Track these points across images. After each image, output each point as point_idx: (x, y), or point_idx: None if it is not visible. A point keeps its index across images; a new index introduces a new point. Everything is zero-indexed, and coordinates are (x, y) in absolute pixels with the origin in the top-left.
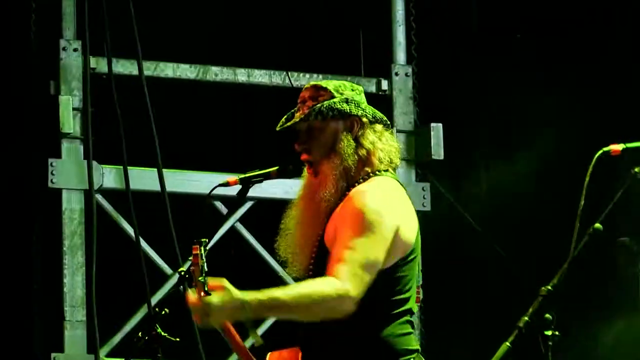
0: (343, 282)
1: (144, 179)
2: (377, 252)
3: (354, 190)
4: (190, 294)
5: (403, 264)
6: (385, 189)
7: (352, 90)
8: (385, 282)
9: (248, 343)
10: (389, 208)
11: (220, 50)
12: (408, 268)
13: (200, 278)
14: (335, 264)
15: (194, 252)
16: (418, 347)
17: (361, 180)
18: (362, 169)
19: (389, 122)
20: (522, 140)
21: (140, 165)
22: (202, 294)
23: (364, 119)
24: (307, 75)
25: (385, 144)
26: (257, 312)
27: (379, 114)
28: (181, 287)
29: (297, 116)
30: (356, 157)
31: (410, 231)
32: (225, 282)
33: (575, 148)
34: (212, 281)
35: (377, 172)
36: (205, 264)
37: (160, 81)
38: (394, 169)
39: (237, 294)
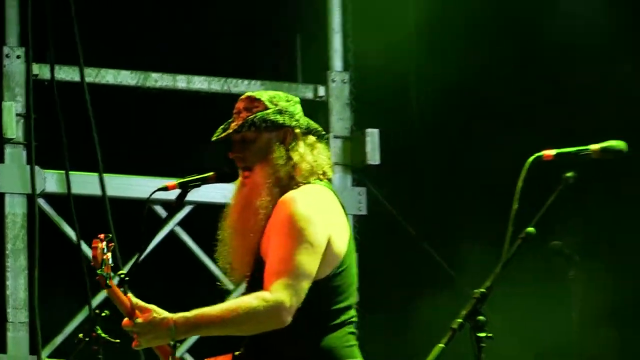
0: (275, 294)
1: (85, 183)
2: (310, 260)
3: (283, 197)
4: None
5: (337, 273)
6: (315, 196)
7: (287, 101)
8: (323, 293)
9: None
10: (320, 216)
11: (161, 57)
12: (342, 277)
13: (98, 271)
14: (268, 276)
15: (93, 245)
16: (361, 358)
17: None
18: (294, 179)
19: (323, 133)
20: (461, 146)
21: (82, 170)
22: (103, 287)
23: (297, 130)
24: (246, 82)
25: (317, 156)
26: (184, 329)
27: (314, 125)
28: (121, 289)
29: (232, 127)
30: (287, 167)
31: (342, 241)
32: (153, 307)
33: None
34: (139, 303)
35: (308, 182)
36: (109, 259)
37: (101, 87)
38: (329, 180)
39: (163, 314)
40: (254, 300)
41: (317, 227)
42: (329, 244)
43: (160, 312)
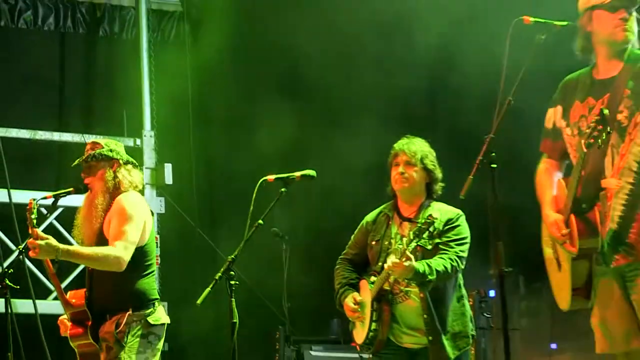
0: (118, 250)
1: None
2: (136, 233)
3: (117, 198)
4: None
5: (147, 243)
6: (136, 198)
7: (116, 144)
8: (140, 254)
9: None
10: (139, 208)
11: (45, 118)
12: (149, 246)
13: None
14: (113, 240)
15: (29, 207)
16: (158, 296)
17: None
18: (119, 189)
19: (137, 164)
20: (225, 170)
21: None
22: (31, 231)
23: (120, 161)
24: (94, 136)
25: (133, 177)
26: (64, 255)
27: (131, 159)
28: (20, 256)
29: (82, 158)
30: (115, 182)
31: (150, 224)
32: (50, 237)
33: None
34: (42, 234)
35: (128, 191)
36: (34, 215)
37: (9, 139)
38: (141, 191)
39: (54, 242)
40: (110, 251)
41: (139, 213)
42: (144, 224)
43: (54, 241)
